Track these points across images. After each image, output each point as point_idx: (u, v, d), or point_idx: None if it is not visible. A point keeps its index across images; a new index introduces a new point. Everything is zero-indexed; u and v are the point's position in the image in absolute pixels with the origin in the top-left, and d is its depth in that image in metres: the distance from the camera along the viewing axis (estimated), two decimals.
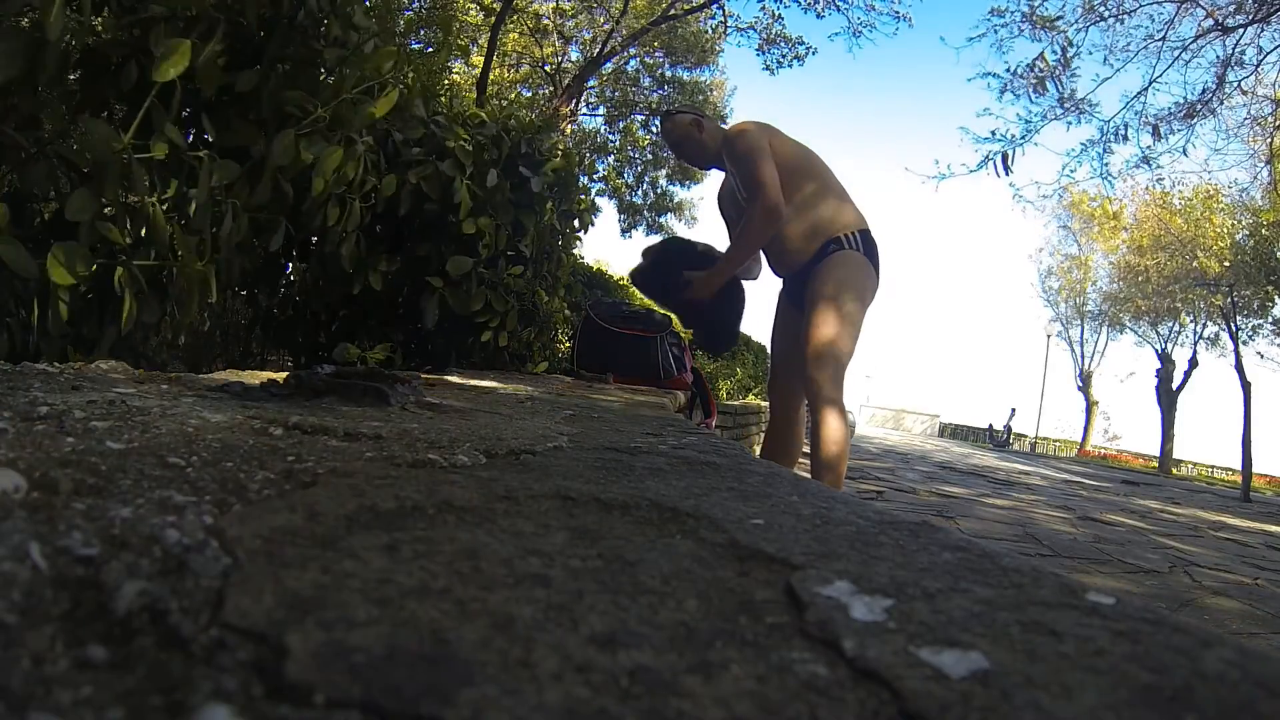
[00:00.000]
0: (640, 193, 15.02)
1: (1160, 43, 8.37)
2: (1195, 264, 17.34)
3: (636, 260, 3.07)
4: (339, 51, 1.68)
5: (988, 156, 8.79)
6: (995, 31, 8.63)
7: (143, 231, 1.39)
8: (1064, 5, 8.36)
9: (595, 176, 12.63)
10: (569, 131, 13.01)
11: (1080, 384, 27.40)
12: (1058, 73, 8.48)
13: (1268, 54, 8.08)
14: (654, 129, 14.43)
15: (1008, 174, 8.52)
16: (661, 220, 15.19)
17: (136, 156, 1.27)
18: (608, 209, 14.90)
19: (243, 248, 1.60)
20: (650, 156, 14.76)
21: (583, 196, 3.38)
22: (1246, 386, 11.36)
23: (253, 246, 1.77)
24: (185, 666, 0.26)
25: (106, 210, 1.30)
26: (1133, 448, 31.18)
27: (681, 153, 2.78)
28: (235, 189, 1.53)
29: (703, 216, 16.02)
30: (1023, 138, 8.78)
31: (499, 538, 0.43)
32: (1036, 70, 8.51)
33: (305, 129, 1.63)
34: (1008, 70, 8.73)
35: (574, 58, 13.48)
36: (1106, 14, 8.25)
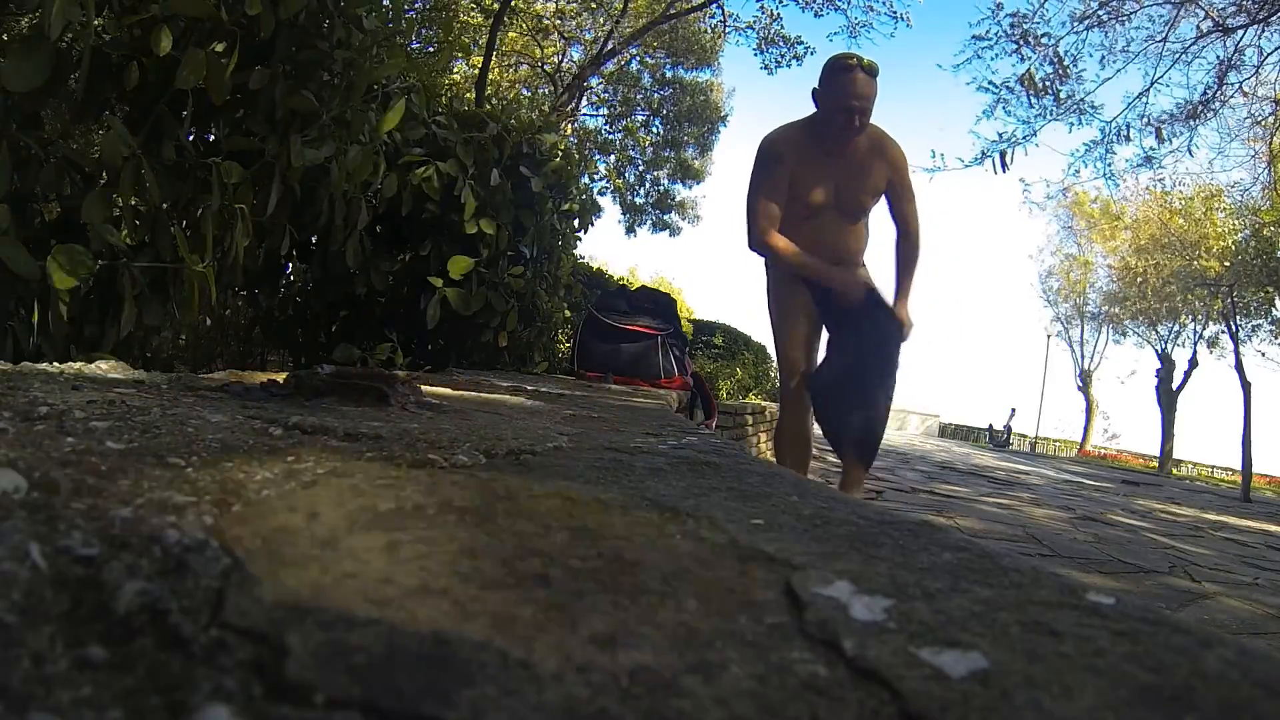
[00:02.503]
0: (642, 192, 15.02)
1: (1161, 44, 8.37)
2: (1196, 264, 17.35)
3: (641, 263, 3.03)
4: (345, 54, 1.69)
5: (985, 152, 8.80)
6: (979, 55, 8.66)
7: (146, 237, 1.40)
8: (1049, 20, 8.36)
9: (596, 176, 12.63)
10: (569, 130, 13.01)
11: (1080, 384, 27.41)
12: (1051, 83, 8.48)
13: (1268, 55, 8.09)
14: (654, 129, 14.43)
15: (1005, 171, 8.53)
16: (665, 218, 15.18)
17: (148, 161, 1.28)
18: (610, 209, 14.92)
19: (246, 250, 1.61)
20: (651, 156, 14.76)
21: (584, 196, 3.38)
22: (1246, 386, 11.35)
23: (256, 248, 1.78)
24: (185, 666, 0.26)
25: (115, 213, 1.30)
26: (1133, 448, 31.17)
27: (866, 113, 2.49)
28: (241, 192, 1.54)
29: (706, 215, 15.99)
30: (1024, 138, 8.79)
31: (499, 537, 0.43)
32: (1026, 85, 8.52)
33: (312, 133, 1.64)
34: (994, 86, 8.74)
35: (575, 57, 13.49)
36: (1104, 16, 8.25)
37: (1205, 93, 8.53)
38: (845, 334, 2.55)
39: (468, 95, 8.48)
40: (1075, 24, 8.30)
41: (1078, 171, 9.45)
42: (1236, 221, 16.14)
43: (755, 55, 11.48)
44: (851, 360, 2.52)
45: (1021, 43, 8.37)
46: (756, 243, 2.54)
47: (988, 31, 8.48)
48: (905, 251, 2.67)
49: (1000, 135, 8.92)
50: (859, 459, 2.57)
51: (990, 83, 8.74)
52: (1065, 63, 8.40)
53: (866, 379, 2.51)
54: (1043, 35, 8.32)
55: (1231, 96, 8.67)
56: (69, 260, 1.19)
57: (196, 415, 0.72)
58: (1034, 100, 8.63)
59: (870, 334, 2.50)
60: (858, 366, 2.51)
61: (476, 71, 9.30)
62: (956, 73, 8.88)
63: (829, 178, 2.54)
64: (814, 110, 2.56)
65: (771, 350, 2.95)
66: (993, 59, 8.68)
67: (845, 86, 2.42)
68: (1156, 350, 22.84)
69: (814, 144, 2.53)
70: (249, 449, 0.60)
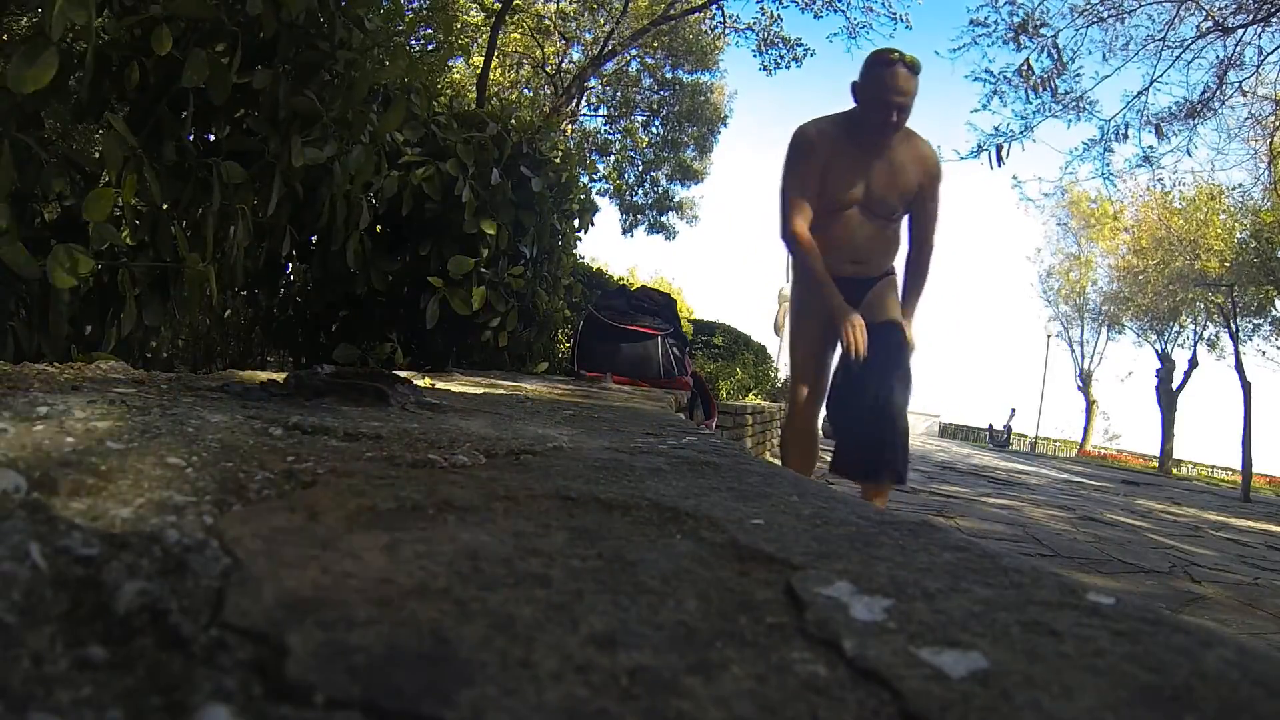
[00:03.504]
0: (641, 192, 15.02)
1: (1160, 43, 8.38)
2: (1196, 264, 17.36)
3: (640, 263, 2.98)
4: (347, 54, 1.69)
5: (981, 146, 8.78)
6: (977, 42, 8.62)
7: (146, 237, 1.40)
8: (1049, 12, 8.34)
9: (596, 176, 12.62)
10: (569, 131, 13.01)
11: (1080, 384, 27.41)
12: (1050, 76, 8.47)
13: (1268, 55, 8.09)
14: (654, 129, 14.44)
15: (1001, 165, 8.50)
16: (663, 219, 15.18)
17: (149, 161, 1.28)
18: (609, 209, 14.91)
19: (247, 250, 1.61)
20: (650, 156, 14.76)
21: (583, 197, 3.38)
22: (1246, 386, 11.35)
23: (256, 248, 1.78)
24: (185, 666, 0.26)
25: (115, 213, 1.30)
26: (1133, 448, 31.18)
27: (905, 110, 2.40)
28: (241, 192, 1.54)
29: (705, 215, 15.96)
30: (1020, 133, 8.79)
31: (499, 538, 0.43)
32: (1024, 76, 8.50)
33: (313, 134, 1.64)
34: (991, 75, 8.71)
35: (575, 58, 13.50)
36: (1105, 14, 8.25)
37: (1205, 92, 8.53)
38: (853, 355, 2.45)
39: (469, 95, 8.48)
40: (1075, 18, 8.30)
41: (1074, 171, 9.45)
42: (1237, 222, 16.16)
43: (755, 56, 11.49)
44: (864, 378, 2.42)
45: (1019, 32, 8.35)
46: (787, 235, 2.48)
47: (986, 18, 8.47)
48: (915, 271, 2.60)
49: (996, 129, 8.93)
50: (888, 478, 2.45)
51: (987, 71, 8.72)
52: (1063, 57, 8.39)
53: (880, 394, 2.41)
54: (1042, 26, 8.31)
55: (1231, 96, 8.68)
56: (69, 260, 1.19)
57: (196, 415, 0.72)
58: (1031, 94, 8.61)
59: (879, 351, 2.41)
60: (872, 383, 2.41)
61: (477, 71, 9.30)
62: (954, 59, 8.86)
63: (861, 175, 2.45)
64: (853, 105, 2.46)
65: (771, 350, 2.92)
66: (989, 45, 8.66)
67: (886, 81, 2.33)
68: (1156, 350, 22.85)
69: (849, 139, 2.44)
70: (249, 449, 0.60)
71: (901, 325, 2.50)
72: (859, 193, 2.47)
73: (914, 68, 2.36)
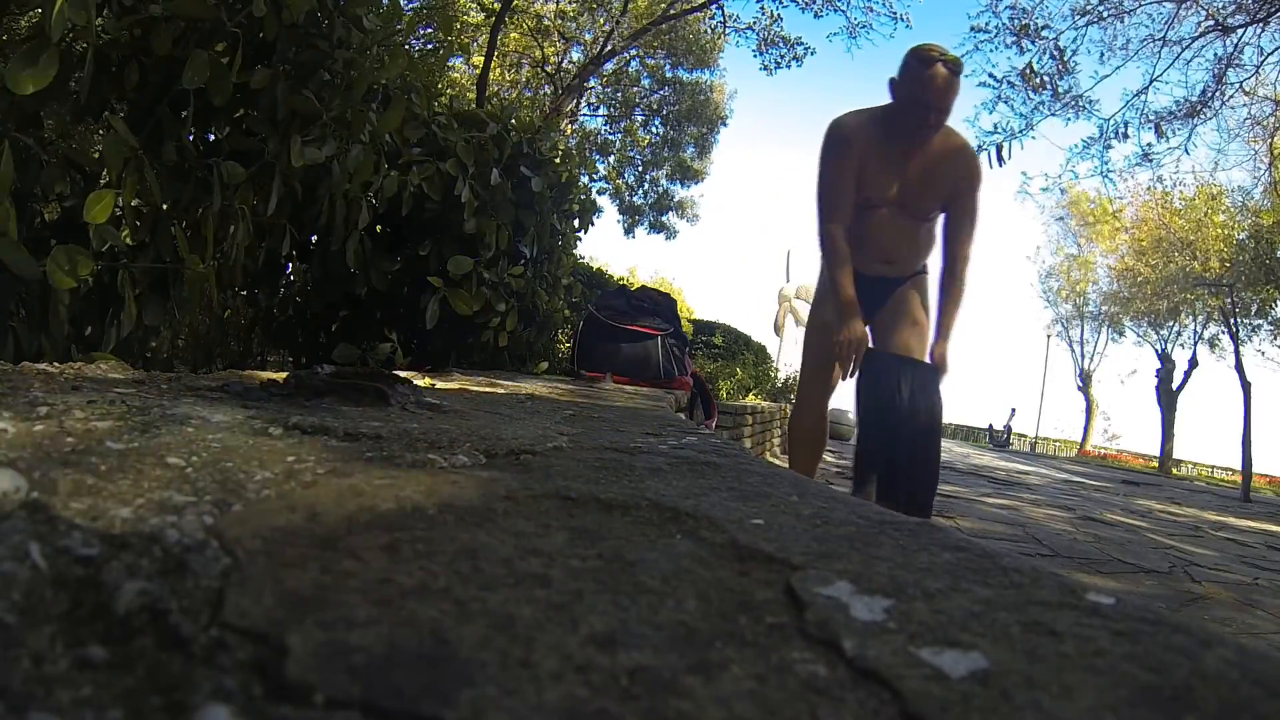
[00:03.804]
0: (641, 192, 15.03)
1: (1160, 42, 8.39)
2: (1196, 264, 17.37)
3: (641, 263, 2.94)
4: (346, 54, 1.69)
5: (981, 145, 8.82)
6: (978, 48, 8.66)
7: (146, 237, 1.40)
8: (1050, 13, 8.38)
9: (596, 176, 12.63)
10: (569, 131, 13.02)
11: (1080, 384, 27.43)
12: (1053, 78, 8.50)
13: (1268, 55, 8.10)
14: (654, 129, 14.44)
15: (1001, 165, 8.52)
16: (664, 219, 15.20)
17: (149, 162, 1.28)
18: (609, 209, 14.93)
19: (247, 250, 1.61)
20: (650, 156, 14.77)
21: (584, 196, 3.38)
22: (1246, 386, 11.36)
23: (256, 248, 1.78)
24: (185, 666, 0.26)
25: (115, 213, 1.30)
26: (1133, 448, 31.20)
27: (944, 111, 2.31)
28: (241, 192, 1.54)
29: (704, 214, 15.97)
30: (1020, 131, 8.81)
31: (499, 538, 0.43)
32: (1027, 79, 8.54)
33: (313, 133, 1.64)
34: (994, 80, 8.75)
35: (575, 58, 13.51)
36: (1105, 13, 8.27)
37: (1204, 92, 8.55)
38: (877, 375, 2.34)
39: (469, 95, 8.48)
40: (1075, 19, 8.33)
41: (1074, 169, 9.50)
42: (1236, 222, 16.19)
43: (755, 56, 11.49)
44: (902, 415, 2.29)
45: (1021, 35, 8.38)
46: (822, 232, 2.43)
47: (987, 24, 8.51)
48: (951, 284, 2.45)
49: (996, 126, 8.97)
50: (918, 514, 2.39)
51: (991, 75, 8.76)
52: (1065, 58, 8.42)
53: (917, 435, 2.29)
54: (1043, 28, 8.35)
55: (1231, 96, 8.70)
56: (69, 260, 1.19)
57: (196, 415, 0.72)
58: (1032, 95, 8.65)
59: (915, 384, 2.31)
60: (910, 423, 2.29)
61: (477, 71, 9.30)
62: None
63: (896, 174, 2.37)
64: (889, 100, 2.37)
65: (771, 350, 2.91)
66: (991, 51, 8.74)
67: (924, 81, 2.24)
68: (1156, 350, 22.86)
69: (884, 136, 2.36)
70: (249, 449, 0.60)
71: (934, 366, 2.39)
72: (894, 192, 2.39)
73: (955, 68, 2.26)
